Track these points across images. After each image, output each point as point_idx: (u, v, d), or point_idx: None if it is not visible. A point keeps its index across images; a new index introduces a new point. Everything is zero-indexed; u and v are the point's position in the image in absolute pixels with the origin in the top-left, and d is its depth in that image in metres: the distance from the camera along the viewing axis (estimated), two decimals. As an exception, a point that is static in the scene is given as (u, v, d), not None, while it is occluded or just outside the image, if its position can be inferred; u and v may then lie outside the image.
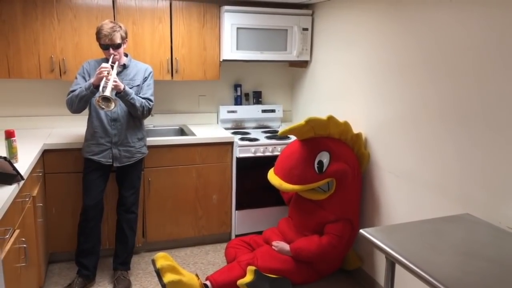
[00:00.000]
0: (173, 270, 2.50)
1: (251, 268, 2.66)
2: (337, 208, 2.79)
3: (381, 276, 2.80)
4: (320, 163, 2.70)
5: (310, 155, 2.72)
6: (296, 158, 2.75)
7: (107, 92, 2.44)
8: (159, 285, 2.89)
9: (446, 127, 2.20)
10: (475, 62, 2.02)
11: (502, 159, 1.89)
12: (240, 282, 2.62)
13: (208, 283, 2.67)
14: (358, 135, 2.88)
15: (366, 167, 2.89)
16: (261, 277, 2.66)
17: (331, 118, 2.71)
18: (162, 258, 2.52)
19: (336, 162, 2.71)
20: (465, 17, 2.06)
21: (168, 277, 2.45)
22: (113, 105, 2.48)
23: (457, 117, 2.13)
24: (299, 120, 3.99)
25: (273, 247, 2.91)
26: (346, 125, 2.84)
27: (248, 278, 2.62)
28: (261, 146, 3.39)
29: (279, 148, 3.42)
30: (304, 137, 2.78)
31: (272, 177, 2.82)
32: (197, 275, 2.63)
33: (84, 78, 2.72)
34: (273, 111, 3.97)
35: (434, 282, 1.41)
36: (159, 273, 2.47)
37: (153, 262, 2.51)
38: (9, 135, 2.32)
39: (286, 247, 2.85)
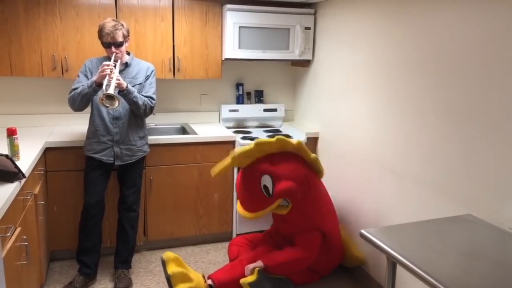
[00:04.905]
0: (184, 277, 2.49)
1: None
2: (299, 221, 2.77)
3: (382, 276, 2.80)
4: (266, 187, 2.66)
5: (255, 181, 2.68)
6: (246, 188, 2.73)
7: (111, 90, 2.44)
8: (160, 283, 2.91)
9: (449, 128, 2.19)
10: (479, 62, 2.01)
11: (505, 160, 1.89)
12: (243, 281, 2.61)
13: (210, 281, 2.66)
14: (299, 143, 2.73)
15: (321, 169, 2.86)
16: (264, 277, 2.65)
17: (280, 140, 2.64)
18: (173, 262, 2.50)
19: (279, 182, 2.64)
20: (469, 16, 2.05)
21: (179, 287, 2.46)
22: (116, 103, 2.48)
23: (460, 117, 2.13)
24: (300, 119, 3.99)
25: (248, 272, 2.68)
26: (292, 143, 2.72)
27: (252, 277, 2.62)
28: (262, 145, 3.39)
29: (280, 147, 3.41)
30: (242, 165, 2.72)
31: (239, 208, 2.79)
32: (203, 276, 2.63)
33: (86, 76, 2.72)
34: (275, 110, 3.96)
35: (435, 283, 1.41)
36: (169, 280, 2.47)
37: (164, 264, 2.50)
38: (11, 133, 2.33)
39: (259, 263, 2.68)
